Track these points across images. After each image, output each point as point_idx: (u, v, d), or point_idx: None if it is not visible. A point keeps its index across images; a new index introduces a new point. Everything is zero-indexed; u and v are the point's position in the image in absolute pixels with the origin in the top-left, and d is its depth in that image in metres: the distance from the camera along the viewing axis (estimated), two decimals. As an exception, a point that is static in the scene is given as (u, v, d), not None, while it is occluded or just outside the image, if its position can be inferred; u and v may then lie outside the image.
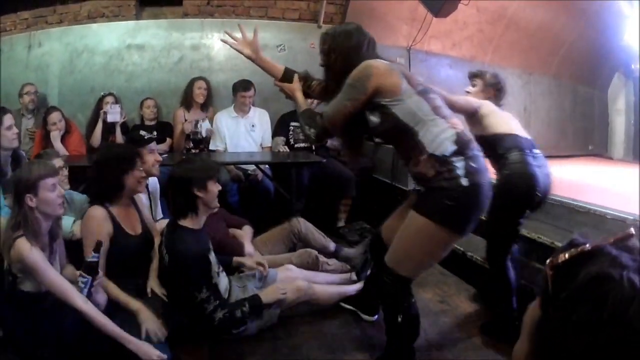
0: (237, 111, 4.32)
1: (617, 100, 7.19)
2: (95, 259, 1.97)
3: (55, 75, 4.75)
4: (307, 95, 2.25)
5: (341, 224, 4.25)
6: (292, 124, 4.38)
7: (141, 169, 2.40)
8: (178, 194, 2.27)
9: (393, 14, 4.90)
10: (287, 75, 2.25)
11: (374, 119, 1.91)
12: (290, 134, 4.38)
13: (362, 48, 2.00)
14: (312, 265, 2.94)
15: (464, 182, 1.74)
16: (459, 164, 1.76)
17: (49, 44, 4.75)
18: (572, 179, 4.65)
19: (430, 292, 3.01)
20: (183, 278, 2.19)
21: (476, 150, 1.85)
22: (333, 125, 1.98)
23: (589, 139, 6.82)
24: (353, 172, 4.22)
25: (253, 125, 4.34)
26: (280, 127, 4.43)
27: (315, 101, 3.07)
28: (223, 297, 2.33)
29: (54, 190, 1.98)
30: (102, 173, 2.30)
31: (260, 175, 4.11)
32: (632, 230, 0.64)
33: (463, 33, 5.28)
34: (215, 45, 4.81)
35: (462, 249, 3.32)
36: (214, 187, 2.27)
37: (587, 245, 0.63)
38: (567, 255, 0.62)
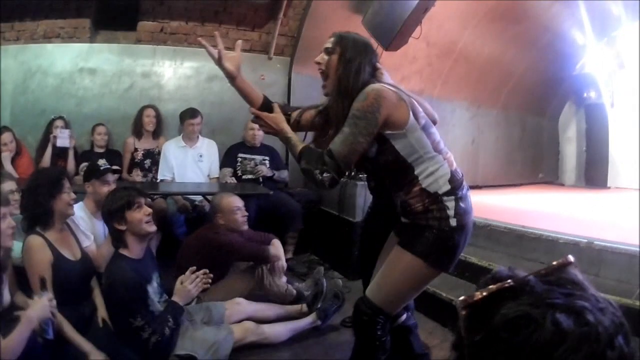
0: (185, 140, 4.35)
1: (567, 129, 7.44)
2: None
3: (9, 94, 4.65)
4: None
5: (289, 256, 4.28)
6: (240, 155, 4.41)
7: (70, 192, 2.39)
8: (108, 227, 2.37)
9: (343, 47, 4.99)
10: (265, 105, 1.95)
11: (371, 149, 1.78)
12: (238, 165, 4.40)
13: (373, 64, 1.86)
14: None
15: (453, 222, 1.75)
16: (450, 204, 1.76)
17: (5, 61, 4.64)
18: (523, 207, 4.78)
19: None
20: (118, 305, 2.24)
21: (466, 189, 1.85)
22: (348, 166, 1.76)
23: (538, 168, 7.01)
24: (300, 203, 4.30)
25: (201, 156, 4.37)
26: (227, 158, 4.45)
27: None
28: (158, 325, 2.33)
29: (4, 220, 1.93)
30: (31, 199, 2.30)
31: (207, 206, 4.13)
32: (570, 257, 0.58)
33: (412, 67, 5.40)
34: (166, 73, 4.83)
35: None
36: (135, 216, 2.29)
37: (510, 280, 0.55)
38: (484, 293, 0.55)
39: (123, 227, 2.29)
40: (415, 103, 1.82)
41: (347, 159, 1.72)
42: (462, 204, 1.78)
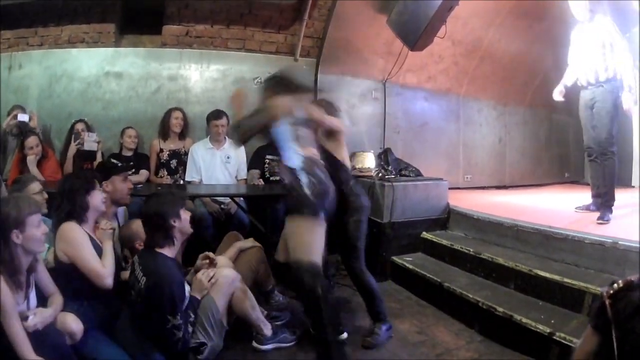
0: (212, 142, 4.35)
1: (593, 127, 7.29)
2: None
3: (34, 99, 4.73)
4: None
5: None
6: (268, 156, 4.41)
7: (101, 189, 2.57)
8: (155, 226, 2.41)
9: (369, 48, 4.96)
10: None
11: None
12: (266, 167, 4.40)
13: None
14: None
15: (307, 191, 2.38)
16: (304, 179, 2.38)
17: (29, 66, 4.74)
18: (550, 207, 4.70)
19: (408, 323, 3.07)
20: (161, 302, 2.24)
21: (318, 170, 2.44)
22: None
23: (564, 167, 6.90)
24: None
25: (228, 157, 4.36)
26: (255, 160, 4.45)
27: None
28: (187, 325, 2.37)
29: (40, 227, 1.99)
30: (68, 198, 2.44)
31: (234, 208, 4.13)
32: None
33: (438, 66, 5.36)
34: (192, 76, 4.85)
35: (439, 279, 3.36)
36: (186, 215, 2.48)
37: (628, 277, 0.87)
38: (616, 285, 0.87)
39: (177, 224, 2.42)
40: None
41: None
42: (313, 179, 2.39)
